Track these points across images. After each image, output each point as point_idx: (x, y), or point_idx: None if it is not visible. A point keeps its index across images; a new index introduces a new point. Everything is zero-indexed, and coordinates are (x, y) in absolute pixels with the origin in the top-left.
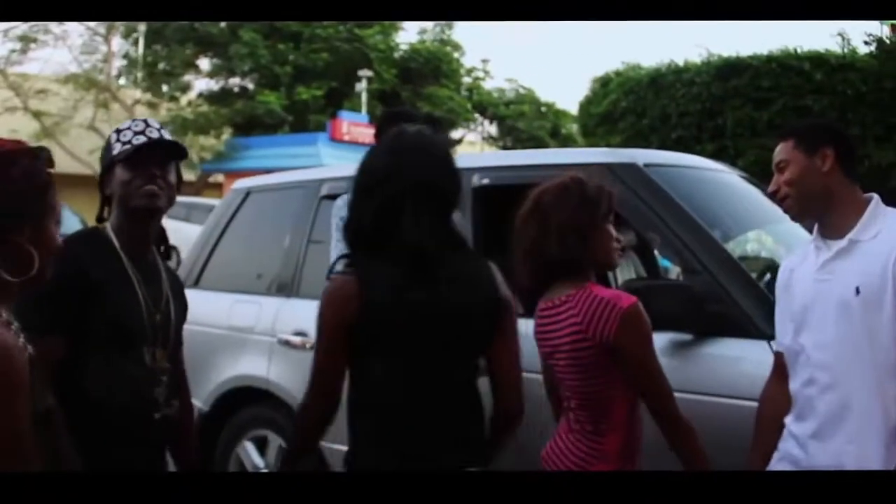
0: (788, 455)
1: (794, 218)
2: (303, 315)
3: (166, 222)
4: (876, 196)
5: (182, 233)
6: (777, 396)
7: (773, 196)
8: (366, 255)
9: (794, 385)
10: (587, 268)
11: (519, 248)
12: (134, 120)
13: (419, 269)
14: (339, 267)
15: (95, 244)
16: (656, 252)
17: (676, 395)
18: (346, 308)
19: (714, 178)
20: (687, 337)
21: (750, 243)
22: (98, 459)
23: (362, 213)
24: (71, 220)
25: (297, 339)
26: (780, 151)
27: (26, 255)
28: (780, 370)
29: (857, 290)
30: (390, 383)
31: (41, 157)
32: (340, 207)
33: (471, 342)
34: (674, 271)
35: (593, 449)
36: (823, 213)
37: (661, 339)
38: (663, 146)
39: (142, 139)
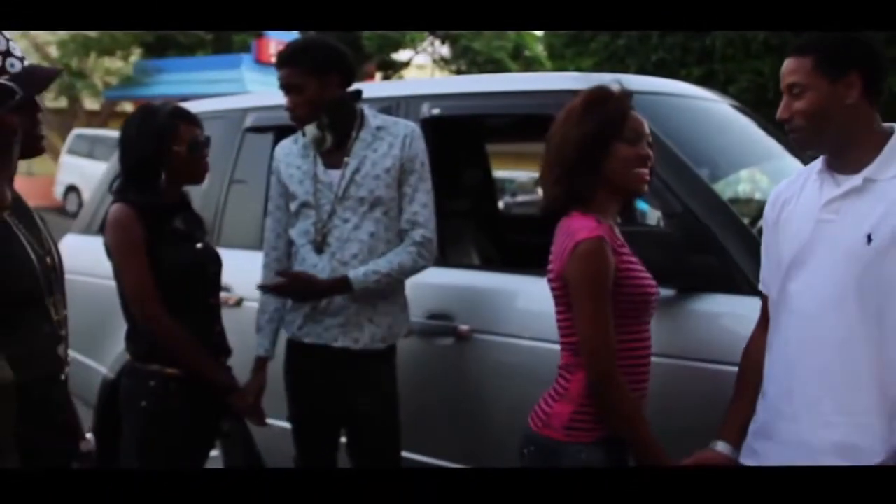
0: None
1: (801, 149)
2: (225, 266)
3: (69, 158)
4: None
5: (85, 170)
6: (763, 347)
7: (782, 124)
8: None
9: (775, 339)
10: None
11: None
12: None
13: None
14: None
15: None
16: None
17: (656, 360)
18: None
19: (701, 107)
20: (668, 292)
21: (742, 183)
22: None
23: None
24: None
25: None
26: (796, 71)
27: None
28: (767, 316)
29: (869, 238)
30: None
31: None
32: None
33: None
34: (653, 216)
35: (560, 386)
36: (838, 146)
37: None
38: (642, 71)
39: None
